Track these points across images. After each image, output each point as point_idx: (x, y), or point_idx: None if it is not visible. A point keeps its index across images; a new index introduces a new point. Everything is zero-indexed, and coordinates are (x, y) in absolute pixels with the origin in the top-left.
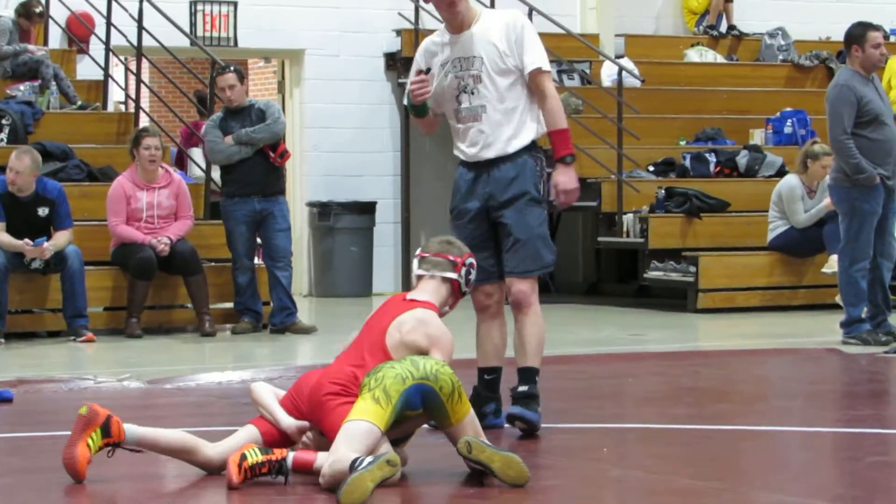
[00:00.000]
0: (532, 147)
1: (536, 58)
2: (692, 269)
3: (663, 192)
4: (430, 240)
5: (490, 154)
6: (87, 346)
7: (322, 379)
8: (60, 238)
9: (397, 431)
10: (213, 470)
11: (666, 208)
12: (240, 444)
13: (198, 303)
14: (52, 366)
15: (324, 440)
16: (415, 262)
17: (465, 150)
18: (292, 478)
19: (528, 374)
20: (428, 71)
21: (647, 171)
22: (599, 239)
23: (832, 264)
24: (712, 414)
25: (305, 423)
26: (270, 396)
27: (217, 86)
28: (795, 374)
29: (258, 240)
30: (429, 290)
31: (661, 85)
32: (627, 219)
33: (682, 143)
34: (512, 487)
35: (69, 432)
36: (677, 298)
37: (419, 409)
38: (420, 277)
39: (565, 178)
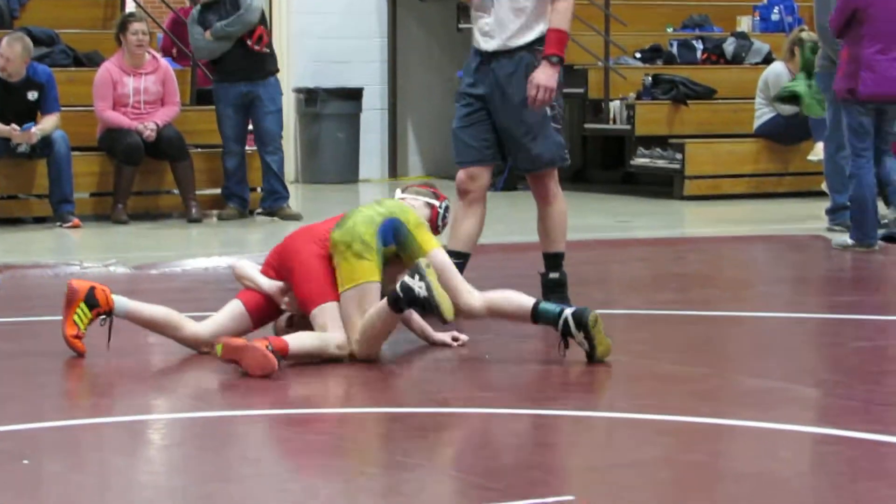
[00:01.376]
0: (533, 44)
1: None
2: (678, 156)
3: (650, 78)
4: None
5: (490, 47)
6: (74, 232)
7: (295, 235)
8: (48, 122)
9: (386, 279)
10: (200, 346)
11: (653, 95)
12: (226, 318)
13: (184, 188)
14: (38, 251)
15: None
16: (397, 193)
17: (474, 36)
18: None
19: (555, 260)
20: None
21: (634, 57)
22: (586, 125)
23: (818, 151)
24: (698, 300)
25: (283, 284)
26: (251, 267)
27: None
28: (780, 261)
29: (250, 126)
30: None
31: None
32: (614, 105)
33: (670, 30)
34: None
35: (55, 317)
36: (663, 185)
37: (392, 245)
38: (403, 200)
39: (543, 75)
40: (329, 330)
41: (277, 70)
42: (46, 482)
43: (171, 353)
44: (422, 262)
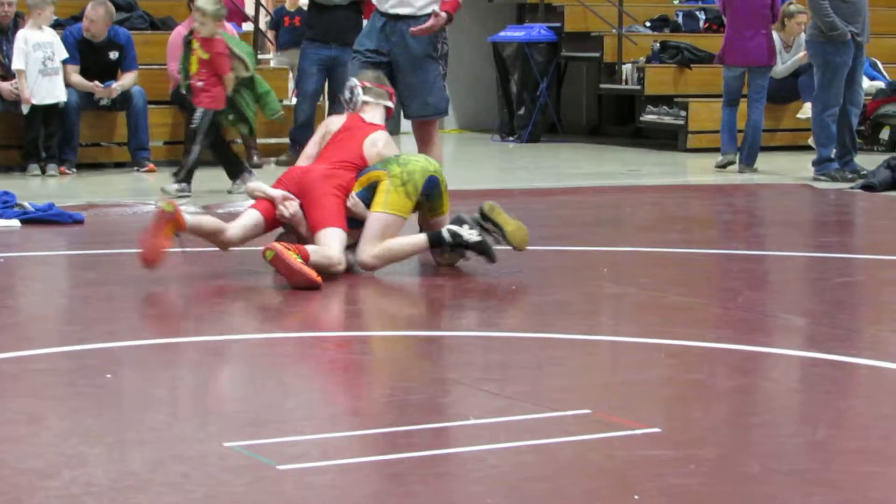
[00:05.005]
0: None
1: None
2: (682, 113)
3: (658, 45)
4: (363, 72)
5: (404, 11)
6: (149, 176)
7: (314, 168)
8: (127, 79)
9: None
10: (233, 245)
11: (660, 59)
12: (248, 223)
13: (246, 138)
14: (118, 192)
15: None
16: (359, 89)
17: (382, 2)
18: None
19: None
20: None
21: (644, 26)
22: (601, 86)
23: (806, 110)
24: (700, 239)
25: (290, 195)
26: (263, 184)
27: None
28: (772, 206)
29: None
30: (377, 116)
31: None
32: (626, 68)
33: (676, 1)
34: (514, 250)
35: (134, 250)
36: (669, 139)
37: (426, 196)
38: (366, 103)
39: (437, 18)
40: (332, 249)
41: None
42: (126, 394)
43: (229, 282)
44: (485, 204)
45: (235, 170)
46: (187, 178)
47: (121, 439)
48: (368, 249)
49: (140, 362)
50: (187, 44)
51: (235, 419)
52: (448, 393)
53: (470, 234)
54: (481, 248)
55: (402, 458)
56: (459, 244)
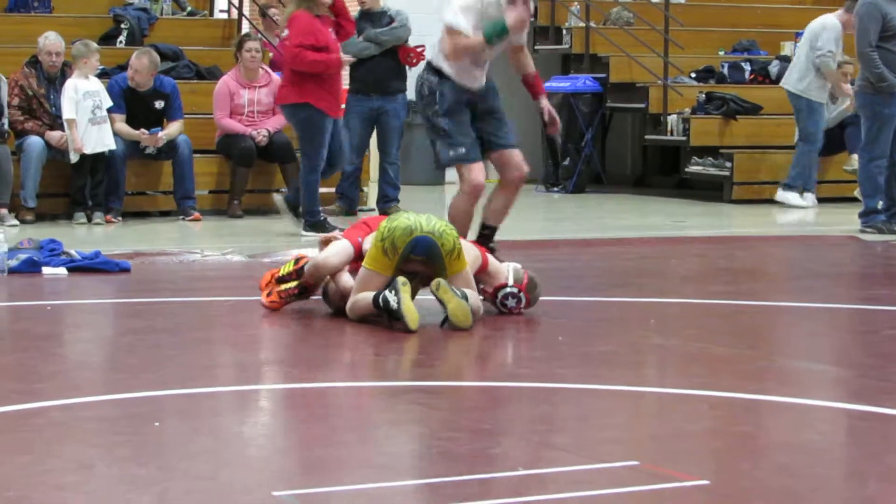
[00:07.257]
0: None
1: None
2: (728, 164)
3: (704, 96)
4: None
5: (480, 84)
6: (195, 225)
7: (367, 219)
8: (173, 128)
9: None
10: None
11: (706, 110)
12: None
13: (292, 187)
14: (164, 241)
15: None
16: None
17: (472, 78)
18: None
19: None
20: None
21: (690, 77)
22: (646, 137)
23: (853, 162)
24: (746, 291)
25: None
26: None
27: None
28: (819, 258)
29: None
30: (493, 264)
31: (703, 1)
32: (671, 119)
33: (721, 53)
34: (457, 330)
35: (179, 298)
36: (714, 190)
37: (421, 257)
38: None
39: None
40: (325, 251)
41: (405, 89)
42: (173, 443)
43: (273, 331)
44: (399, 280)
45: None
46: None
47: (168, 488)
48: (349, 301)
49: (187, 410)
50: None
51: (284, 468)
52: (496, 444)
53: (394, 299)
54: (396, 316)
55: None
56: (387, 309)
